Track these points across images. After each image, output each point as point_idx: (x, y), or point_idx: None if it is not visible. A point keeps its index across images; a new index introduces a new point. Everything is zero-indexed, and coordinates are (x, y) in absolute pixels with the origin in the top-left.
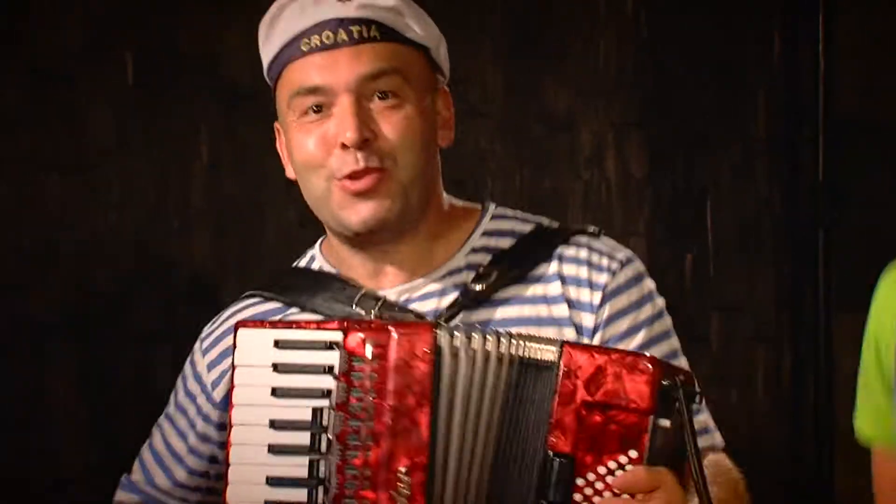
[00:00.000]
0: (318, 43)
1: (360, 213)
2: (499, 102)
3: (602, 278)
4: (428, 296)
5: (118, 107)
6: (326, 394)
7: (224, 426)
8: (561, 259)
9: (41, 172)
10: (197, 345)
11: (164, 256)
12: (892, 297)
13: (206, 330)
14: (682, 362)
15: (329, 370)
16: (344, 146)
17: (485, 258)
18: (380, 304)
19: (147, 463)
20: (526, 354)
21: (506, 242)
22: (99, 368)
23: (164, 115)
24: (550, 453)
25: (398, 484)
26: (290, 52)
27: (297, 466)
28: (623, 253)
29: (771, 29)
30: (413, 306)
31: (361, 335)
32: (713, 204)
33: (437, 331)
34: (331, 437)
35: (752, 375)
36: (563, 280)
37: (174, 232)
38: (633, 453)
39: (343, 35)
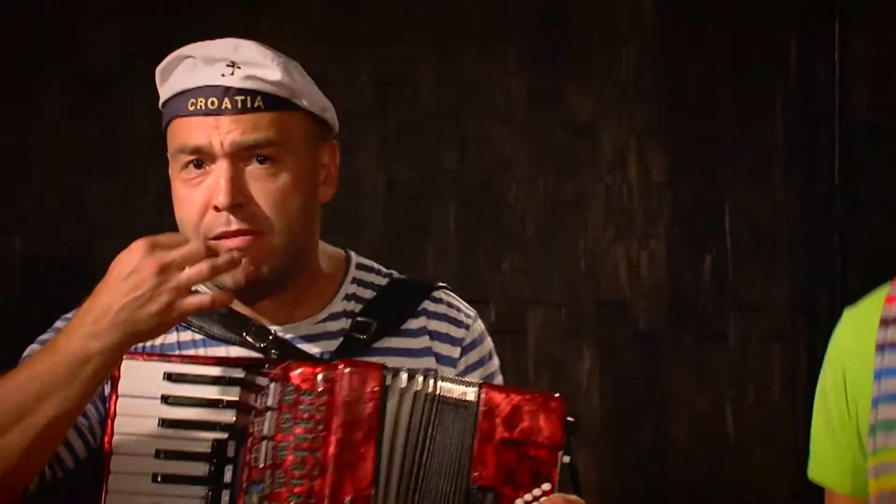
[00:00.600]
0: (202, 106)
1: (232, 276)
2: (522, 109)
3: (460, 333)
4: (311, 338)
5: (155, 113)
6: (227, 427)
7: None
8: (426, 314)
9: (82, 176)
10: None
11: None
12: (860, 340)
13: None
14: None
15: (231, 405)
16: (217, 208)
17: (356, 307)
18: (271, 337)
19: None
20: (449, 395)
21: (368, 293)
22: None
23: None
24: (474, 486)
25: None
26: (177, 107)
27: (187, 497)
28: (470, 309)
29: (788, 37)
30: (300, 346)
31: (308, 370)
32: (731, 207)
33: (384, 371)
34: (235, 468)
35: (769, 374)
36: (430, 335)
37: None
38: (547, 486)
39: (227, 103)
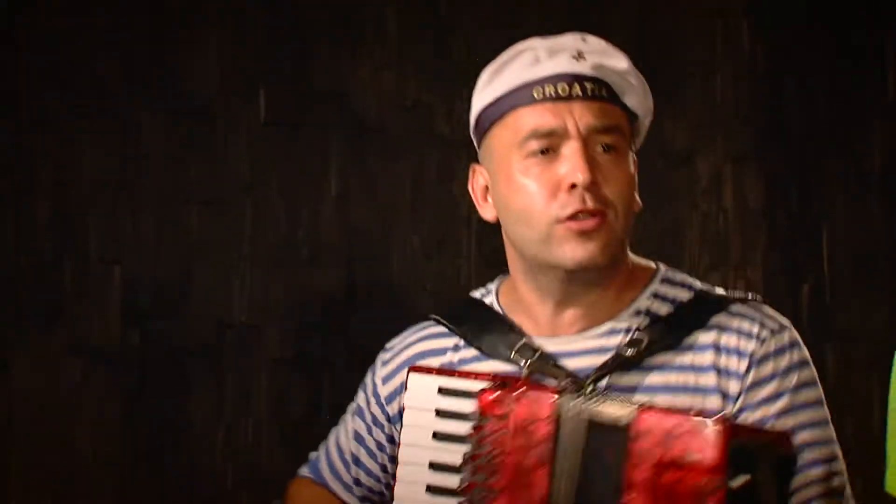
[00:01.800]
0: (551, 93)
1: (578, 252)
2: None
3: (750, 346)
4: (584, 353)
5: (252, 142)
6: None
7: (394, 439)
8: (718, 328)
9: (180, 206)
10: (378, 356)
11: (295, 286)
12: None
13: (389, 344)
14: (828, 433)
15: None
16: (573, 187)
17: (644, 321)
18: (536, 355)
19: (329, 451)
20: (598, 418)
21: (665, 309)
22: (234, 395)
23: (296, 150)
24: None
25: None
26: (520, 98)
27: None
28: (775, 321)
29: (886, 61)
30: (567, 361)
31: (493, 395)
32: (829, 234)
33: (559, 398)
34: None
35: (868, 404)
36: (717, 349)
37: (304, 262)
38: None
39: (577, 90)
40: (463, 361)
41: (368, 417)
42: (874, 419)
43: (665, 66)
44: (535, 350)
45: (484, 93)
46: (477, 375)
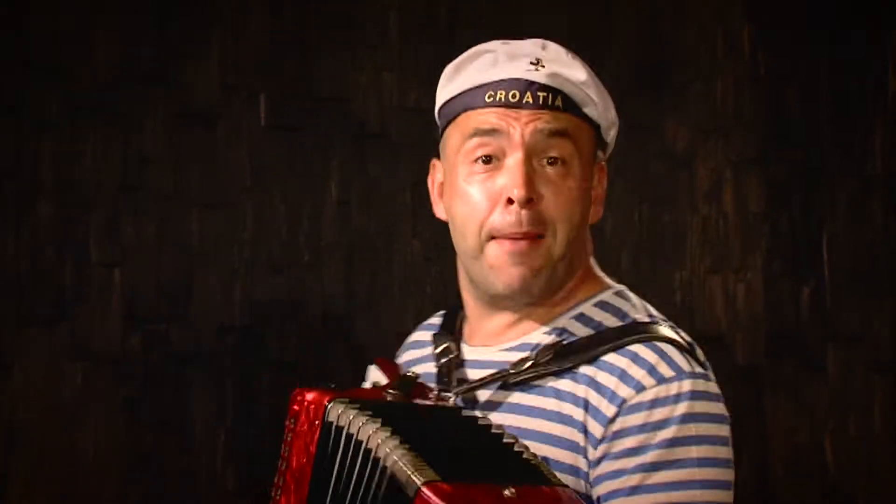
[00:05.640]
0: (502, 98)
1: (506, 278)
2: (619, 139)
3: (625, 392)
4: (489, 364)
5: (253, 145)
6: None
7: None
8: (604, 365)
9: (180, 209)
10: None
11: (297, 290)
12: None
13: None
14: (704, 495)
15: None
16: (510, 201)
17: (550, 341)
18: (449, 358)
19: None
20: (395, 470)
21: (583, 332)
22: (236, 399)
23: (297, 154)
24: None
25: None
26: (472, 99)
27: None
28: (671, 370)
29: (886, 66)
30: (473, 371)
31: (296, 397)
32: (830, 238)
33: (328, 404)
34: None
35: (870, 406)
36: (596, 386)
37: (306, 266)
38: None
39: (529, 97)
40: (414, 344)
41: None
42: (875, 421)
43: (667, 70)
44: (452, 355)
45: (444, 90)
46: (371, 391)
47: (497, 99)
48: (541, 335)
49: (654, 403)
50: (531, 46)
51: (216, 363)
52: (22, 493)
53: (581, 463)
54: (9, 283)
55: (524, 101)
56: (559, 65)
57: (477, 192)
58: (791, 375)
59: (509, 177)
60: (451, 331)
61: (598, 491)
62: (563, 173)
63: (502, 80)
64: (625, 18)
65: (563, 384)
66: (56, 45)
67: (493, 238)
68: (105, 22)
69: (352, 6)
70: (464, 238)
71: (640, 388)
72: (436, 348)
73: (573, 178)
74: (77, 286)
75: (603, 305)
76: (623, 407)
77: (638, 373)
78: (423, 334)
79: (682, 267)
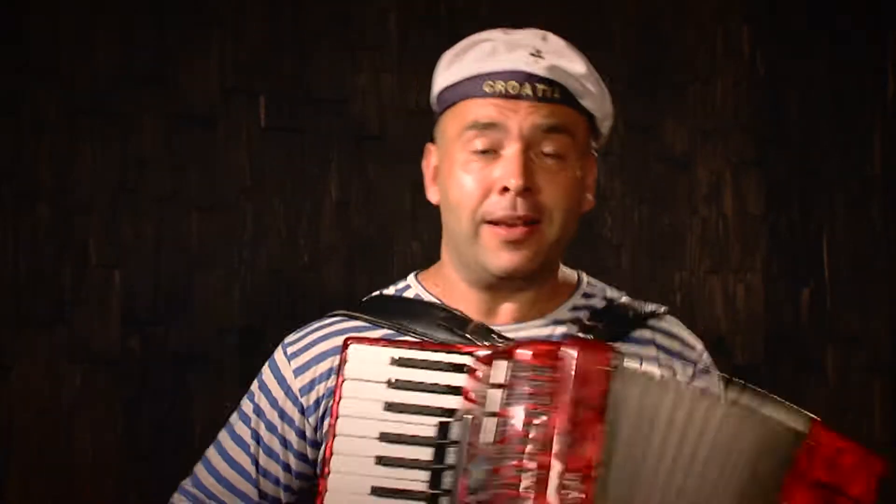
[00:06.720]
0: (501, 89)
1: (504, 261)
2: (618, 141)
3: (693, 356)
4: (535, 339)
5: (252, 147)
6: (451, 411)
7: (303, 434)
8: (654, 329)
9: (180, 210)
10: (279, 351)
11: (296, 290)
12: None
13: (291, 338)
14: None
15: (456, 390)
16: (505, 190)
17: (585, 315)
18: (494, 336)
19: (212, 464)
20: (769, 414)
21: (601, 304)
22: (236, 400)
23: (296, 155)
24: None
25: (564, 491)
26: (471, 88)
27: (410, 480)
28: (693, 335)
29: (885, 68)
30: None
31: (538, 347)
32: (829, 239)
33: (614, 353)
34: (462, 451)
35: (869, 407)
36: (658, 347)
37: (305, 267)
38: None
39: (528, 89)
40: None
41: (272, 416)
42: (874, 422)
43: (666, 71)
44: (491, 331)
45: (442, 77)
46: (424, 345)
47: (496, 89)
48: (567, 312)
49: (710, 367)
50: (531, 37)
51: (216, 364)
52: (21, 493)
53: None
54: (8, 285)
55: (523, 94)
56: (559, 57)
57: (472, 181)
58: (790, 376)
59: (506, 167)
60: (439, 317)
61: None
62: (560, 166)
63: (502, 72)
64: (624, 19)
65: (626, 347)
66: (55, 46)
67: (486, 222)
68: (104, 23)
69: (351, 8)
70: (458, 221)
71: (700, 354)
72: (466, 334)
73: (569, 170)
74: (76, 287)
75: (594, 286)
76: (696, 369)
77: (692, 340)
78: (343, 325)
79: (681, 267)
